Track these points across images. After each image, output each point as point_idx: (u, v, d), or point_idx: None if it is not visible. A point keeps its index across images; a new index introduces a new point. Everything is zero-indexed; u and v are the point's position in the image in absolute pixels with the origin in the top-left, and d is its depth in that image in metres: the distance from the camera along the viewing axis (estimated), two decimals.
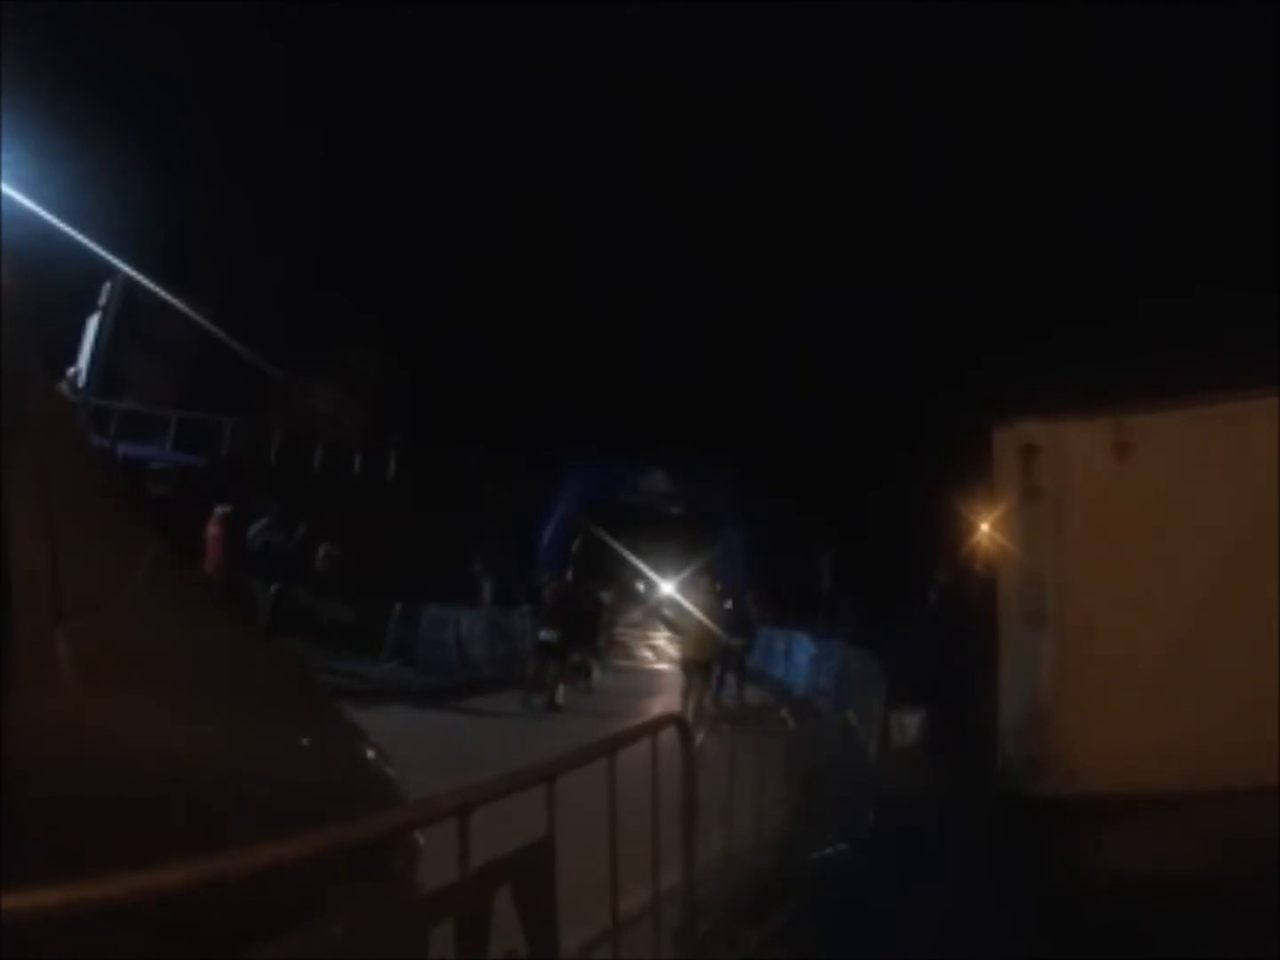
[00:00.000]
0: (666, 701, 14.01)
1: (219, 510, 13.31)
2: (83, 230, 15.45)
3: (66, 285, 16.61)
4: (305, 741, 1.83)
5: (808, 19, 22.96)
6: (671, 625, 14.30)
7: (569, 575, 18.05)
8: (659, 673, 20.58)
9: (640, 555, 30.42)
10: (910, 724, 10.22)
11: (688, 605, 13.46)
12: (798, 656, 19.17)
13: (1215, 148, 18.29)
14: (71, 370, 17.71)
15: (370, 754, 2.07)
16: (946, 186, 23.26)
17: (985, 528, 9.84)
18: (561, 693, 13.72)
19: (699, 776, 3.82)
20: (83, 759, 1.16)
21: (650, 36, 24.11)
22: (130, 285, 20.25)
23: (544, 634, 13.49)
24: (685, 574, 19.97)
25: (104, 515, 1.44)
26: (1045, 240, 21.25)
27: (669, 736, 3.44)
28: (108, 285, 21.04)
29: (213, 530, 13.13)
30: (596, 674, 16.38)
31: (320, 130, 22.12)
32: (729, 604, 15.05)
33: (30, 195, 13.98)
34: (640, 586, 34.36)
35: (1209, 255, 17.06)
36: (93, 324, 21.43)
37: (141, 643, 1.38)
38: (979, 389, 13.51)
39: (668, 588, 26.42)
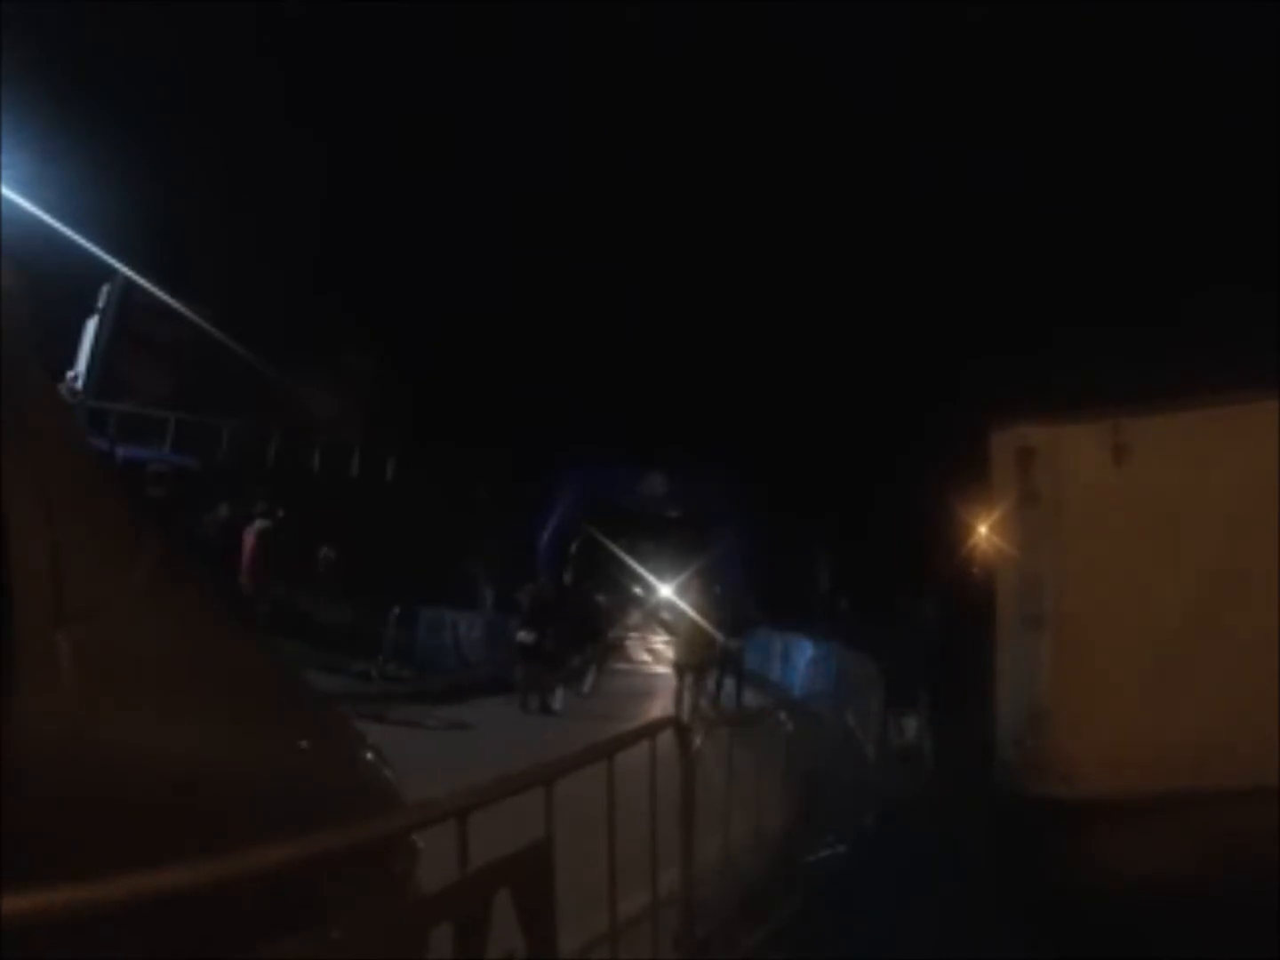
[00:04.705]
0: (664, 704, 14.00)
1: (257, 524, 13.18)
2: (82, 232, 15.46)
3: (65, 287, 16.61)
4: (304, 744, 1.83)
5: (805, 20, 22.97)
6: (667, 628, 14.31)
7: (565, 577, 18.05)
8: (657, 676, 20.57)
9: (639, 558, 30.44)
10: (909, 726, 10.25)
11: (684, 608, 13.45)
12: (796, 659, 19.16)
13: (1213, 147, 18.31)
14: (71, 373, 17.70)
15: (369, 757, 2.07)
16: (944, 188, 23.24)
17: (983, 530, 9.85)
18: (560, 696, 13.72)
19: (697, 778, 3.83)
20: (83, 761, 1.16)
21: (650, 36, 24.10)
22: (129, 287, 20.27)
23: (521, 636, 13.52)
24: (683, 577, 19.97)
25: (104, 517, 1.44)
26: (1043, 242, 21.25)
27: (667, 739, 3.45)
28: (106, 287, 21.07)
29: (248, 542, 13.02)
30: (593, 677, 16.36)
31: (320, 131, 22.10)
32: (727, 606, 15.03)
33: (30, 197, 13.99)
34: (638, 590, 34.37)
35: (1208, 256, 17.06)
36: (91, 325, 21.45)
37: (141, 645, 1.38)
38: (977, 392, 13.49)
39: (666, 591, 26.43)
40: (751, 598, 20.27)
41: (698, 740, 4.09)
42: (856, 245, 25.64)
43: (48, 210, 14.32)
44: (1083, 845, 4.60)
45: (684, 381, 28.00)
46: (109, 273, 19.48)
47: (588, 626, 16.83)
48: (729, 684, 14.80)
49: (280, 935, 1.39)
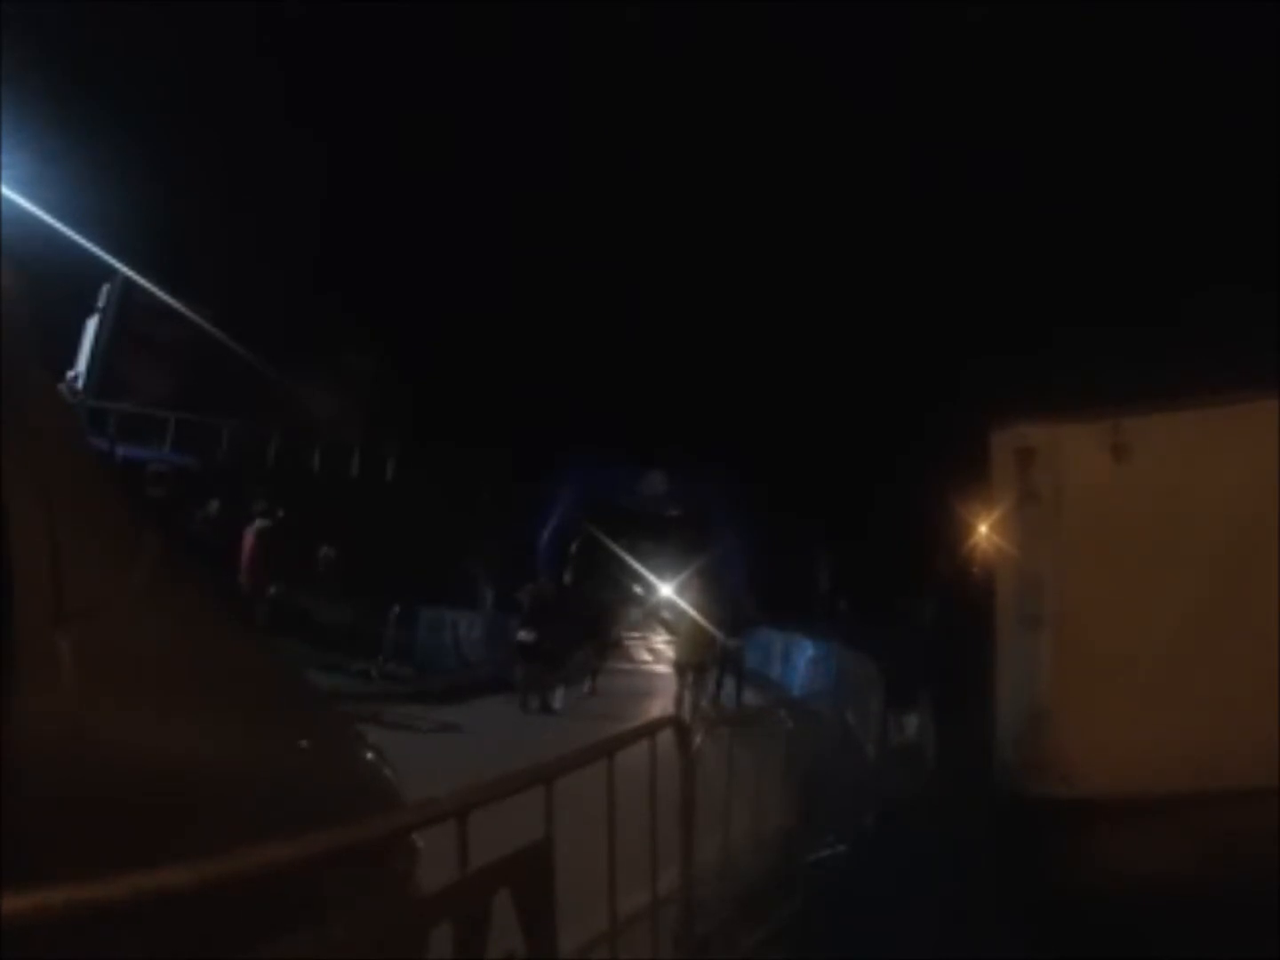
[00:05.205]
0: (665, 703, 14.00)
1: (257, 523, 13.09)
2: (82, 232, 15.46)
3: (65, 287, 16.61)
4: (304, 743, 1.83)
5: (805, 20, 22.97)
6: (667, 627, 14.30)
7: (565, 577, 18.05)
8: (658, 675, 20.57)
9: (639, 558, 30.45)
10: (908, 725, 10.25)
11: (684, 607, 13.45)
12: (796, 658, 19.15)
13: (1213, 147, 18.30)
14: (71, 373, 17.70)
15: (369, 756, 2.08)
16: (944, 188, 23.25)
17: (983, 530, 9.85)
18: (560, 696, 13.73)
19: (697, 778, 3.83)
20: (83, 761, 1.16)
21: (650, 36, 24.11)
22: (129, 287, 20.28)
23: (521, 635, 13.54)
24: (683, 576, 19.97)
25: (104, 516, 1.44)
26: (1043, 242, 21.25)
27: (667, 738, 3.45)
28: (106, 287, 21.08)
29: (248, 542, 12.94)
30: (593, 677, 16.36)
31: (320, 131, 22.10)
32: (727, 606, 15.02)
33: (30, 197, 13.99)
34: (638, 589, 34.41)
35: (1208, 256, 17.06)
36: (91, 325, 21.46)
37: (141, 644, 1.38)
38: (977, 392, 13.49)
39: (666, 590, 26.44)
40: (751, 598, 20.27)
41: (698, 740, 4.09)
42: (856, 245, 25.64)
43: (48, 210, 14.32)
44: (1083, 845, 4.60)
45: (684, 381, 28.01)
46: (109, 273, 19.49)
47: (588, 626, 16.84)
48: (729, 683, 14.80)
49: (280, 935, 1.39)
